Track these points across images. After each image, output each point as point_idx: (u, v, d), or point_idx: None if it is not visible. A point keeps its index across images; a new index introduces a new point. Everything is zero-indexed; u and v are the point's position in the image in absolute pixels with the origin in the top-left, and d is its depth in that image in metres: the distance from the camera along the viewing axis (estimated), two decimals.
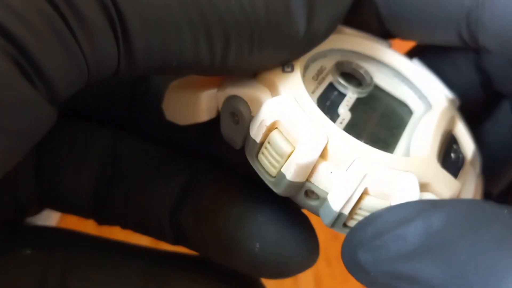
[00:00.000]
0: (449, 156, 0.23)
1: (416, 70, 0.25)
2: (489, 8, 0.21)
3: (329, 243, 0.40)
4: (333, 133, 0.21)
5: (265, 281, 0.36)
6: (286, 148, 0.21)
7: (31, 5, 0.17)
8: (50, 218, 0.45)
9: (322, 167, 0.21)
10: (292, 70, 0.22)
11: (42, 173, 0.25)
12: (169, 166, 0.26)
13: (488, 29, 0.22)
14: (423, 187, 0.21)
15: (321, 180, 0.21)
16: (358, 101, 0.24)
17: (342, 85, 0.24)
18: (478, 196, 0.24)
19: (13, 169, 0.22)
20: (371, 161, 0.21)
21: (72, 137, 0.26)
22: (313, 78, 0.23)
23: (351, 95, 0.24)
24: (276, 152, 0.21)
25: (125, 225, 0.26)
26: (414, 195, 0.20)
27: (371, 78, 0.25)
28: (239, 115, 0.22)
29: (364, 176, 0.20)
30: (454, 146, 0.23)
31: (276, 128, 0.21)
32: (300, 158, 0.21)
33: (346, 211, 0.21)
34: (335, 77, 0.24)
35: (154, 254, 0.26)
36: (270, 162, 0.21)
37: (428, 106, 0.25)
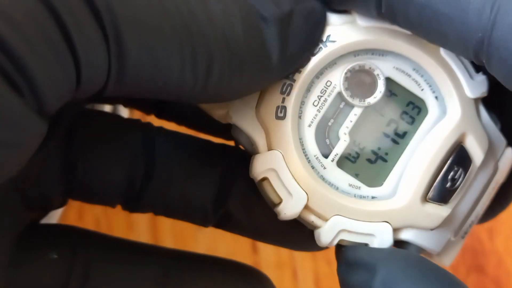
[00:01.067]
0: (444, 181, 0.24)
1: (440, 63, 0.24)
2: (497, 42, 0.21)
3: None
4: (314, 190, 0.24)
5: None
6: (275, 199, 0.24)
7: (22, 10, 0.16)
8: (51, 217, 0.45)
9: (306, 216, 0.24)
10: (284, 116, 0.24)
11: (72, 166, 0.25)
12: (205, 154, 0.27)
13: (494, 62, 0.21)
14: (402, 227, 0.24)
15: (307, 222, 0.24)
16: (367, 110, 0.24)
17: (347, 99, 0.24)
18: (496, 183, 0.25)
19: (38, 165, 0.23)
20: (348, 213, 0.24)
21: (105, 128, 0.26)
22: (314, 103, 0.24)
23: (357, 108, 0.24)
24: (268, 198, 0.24)
25: (162, 213, 0.27)
26: (386, 242, 0.24)
27: (384, 83, 0.24)
28: (242, 145, 0.25)
29: (340, 231, 0.24)
30: (455, 167, 0.24)
31: (267, 179, 0.24)
32: (284, 213, 0.24)
33: (331, 246, 0.24)
34: (342, 89, 0.24)
35: (173, 256, 0.27)
36: (267, 197, 0.24)
37: (443, 110, 0.24)
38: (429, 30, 0.21)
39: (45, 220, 0.27)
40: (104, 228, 0.42)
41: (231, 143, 0.27)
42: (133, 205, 0.26)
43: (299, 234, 0.26)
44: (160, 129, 0.27)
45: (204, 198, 0.26)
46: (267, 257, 0.43)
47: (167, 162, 0.26)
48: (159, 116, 0.28)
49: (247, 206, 0.26)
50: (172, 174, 0.26)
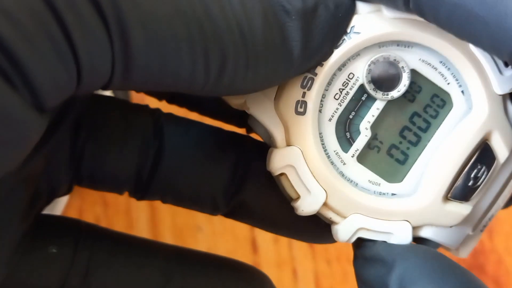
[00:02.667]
0: (467, 179, 0.24)
1: (468, 57, 0.23)
2: None
3: None
4: (333, 188, 0.23)
5: None
6: (293, 195, 0.24)
7: (23, 6, 0.16)
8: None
9: (324, 212, 0.24)
10: (305, 111, 0.23)
11: (80, 154, 0.25)
12: (216, 142, 0.26)
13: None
14: (422, 225, 0.24)
15: (325, 218, 0.24)
16: (389, 104, 0.24)
17: (370, 92, 0.24)
18: None
19: (46, 156, 0.22)
20: (367, 211, 0.24)
21: (113, 115, 0.25)
22: (335, 97, 0.24)
23: (379, 101, 0.24)
24: (286, 193, 0.24)
25: (170, 201, 0.27)
26: (405, 240, 0.24)
27: (409, 76, 0.23)
28: (259, 135, 0.25)
29: (358, 229, 0.24)
30: (479, 165, 0.24)
31: (284, 174, 0.24)
32: (302, 209, 0.24)
33: (349, 242, 0.24)
34: (365, 82, 0.24)
35: (176, 252, 0.27)
36: (284, 192, 0.24)
37: (469, 105, 0.24)
38: (461, 30, 0.21)
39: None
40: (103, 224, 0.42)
41: (242, 130, 0.27)
42: (141, 193, 0.26)
43: (314, 226, 0.26)
44: (170, 115, 0.26)
45: (215, 186, 0.26)
46: (267, 257, 0.43)
47: (177, 149, 0.26)
48: (170, 101, 0.28)
49: (262, 196, 0.26)
50: (181, 161, 0.26)
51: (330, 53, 0.23)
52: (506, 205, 0.26)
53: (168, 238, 0.42)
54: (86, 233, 0.26)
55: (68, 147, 0.24)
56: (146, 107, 0.26)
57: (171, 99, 0.28)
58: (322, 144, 0.24)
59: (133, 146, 0.25)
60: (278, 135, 0.23)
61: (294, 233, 0.27)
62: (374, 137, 0.24)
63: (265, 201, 0.26)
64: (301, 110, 0.23)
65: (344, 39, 0.23)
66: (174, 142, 0.26)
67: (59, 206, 0.41)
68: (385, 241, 0.24)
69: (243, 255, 0.42)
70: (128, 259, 0.25)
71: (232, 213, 0.27)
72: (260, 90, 0.23)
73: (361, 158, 0.24)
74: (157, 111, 0.26)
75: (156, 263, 0.26)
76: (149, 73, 0.19)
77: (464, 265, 0.44)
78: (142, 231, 0.42)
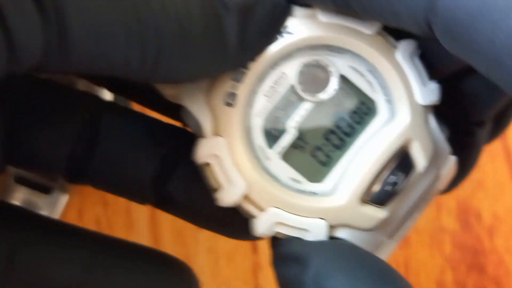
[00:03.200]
0: (385, 184, 0.24)
1: (395, 67, 0.25)
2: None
3: None
4: (254, 180, 0.24)
5: (265, 277, 0.36)
6: (214, 185, 0.24)
7: None
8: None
9: (244, 205, 0.24)
10: (234, 103, 0.24)
11: (14, 136, 0.25)
12: (152, 133, 0.27)
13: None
14: (338, 225, 0.24)
15: (245, 212, 0.24)
16: (317, 106, 0.25)
17: (299, 93, 0.24)
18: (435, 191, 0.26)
19: None
20: (286, 206, 0.24)
21: (52, 99, 0.26)
22: (265, 94, 0.24)
23: (308, 102, 0.25)
24: (208, 183, 0.24)
25: (102, 187, 0.27)
26: (320, 238, 0.24)
27: (337, 81, 0.24)
28: (190, 127, 0.25)
29: (275, 224, 0.24)
30: (397, 172, 0.24)
31: (209, 164, 0.24)
32: (222, 199, 0.24)
33: (265, 237, 0.24)
34: (295, 82, 0.24)
35: (102, 241, 0.27)
36: (208, 182, 0.24)
37: (393, 114, 0.25)
38: (382, 11, 0.22)
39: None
40: (104, 228, 0.42)
41: (181, 124, 0.27)
42: (75, 178, 0.26)
43: (235, 222, 0.26)
44: (109, 104, 0.27)
45: (144, 176, 0.26)
46: (267, 257, 0.43)
47: (111, 138, 0.26)
48: (110, 89, 0.29)
49: (188, 188, 0.26)
50: (115, 151, 0.26)
51: (264, 50, 0.23)
52: (449, 189, 0.27)
53: (168, 238, 0.42)
54: (9, 219, 0.26)
55: (2, 127, 0.25)
56: (87, 94, 0.27)
57: (111, 88, 0.29)
58: (249, 138, 0.24)
59: (68, 132, 0.25)
60: (206, 125, 0.24)
61: (215, 227, 0.28)
62: (300, 137, 0.24)
63: (190, 193, 0.26)
64: (230, 101, 0.24)
65: (278, 38, 0.24)
66: (109, 132, 0.26)
67: (59, 206, 0.41)
68: (300, 238, 0.24)
69: (243, 255, 0.42)
70: (53, 247, 0.25)
71: (160, 204, 0.27)
72: (195, 81, 0.23)
73: (285, 156, 0.24)
74: (97, 99, 0.27)
75: (79, 252, 0.26)
76: (84, 55, 0.19)
77: (464, 265, 0.44)
78: (142, 231, 0.42)
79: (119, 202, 0.42)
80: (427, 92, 0.25)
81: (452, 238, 0.44)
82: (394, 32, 0.25)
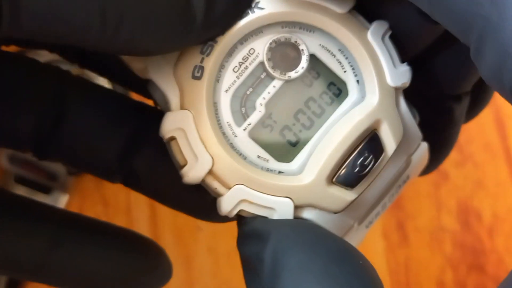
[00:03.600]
0: (353, 165, 0.24)
1: (366, 48, 0.24)
2: None
3: None
4: (220, 156, 0.23)
5: None
6: (180, 160, 0.24)
7: None
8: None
9: (209, 181, 0.24)
10: (201, 76, 0.23)
11: None
12: (119, 110, 0.26)
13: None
14: (305, 205, 0.24)
15: (210, 189, 0.24)
16: (287, 84, 0.24)
17: (268, 70, 0.24)
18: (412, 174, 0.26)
19: None
20: (252, 184, 0.23)
21: (17, 72, 0.25)
22: (234, 69, 0.24)
23: (277, 80, 0.24)
24: (174, 159, 0.24)
25: (70, 164, 0.27)
26: (286, 217, 0.23)
27: (307, 59, 0.24)
28: (157, 102, 0.24)
29: (241, 201, 0.23)
30: (366, 153, 0.24)
31: (174, 139, 0.23)
32: (188, 175, 0.23)
33: (231, 215, 0.24)
34: (265, 59, 0.24)
35: (69, 218, 0.27)
36: (173, 158, 0.24)
37: (363, 95, 0.24)
38: None
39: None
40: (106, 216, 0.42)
41: (151, 102, 0.27)
42: (42, 154, 0.26)
43: (200, 201, 0.26)
44: (77, 78, 0.26)
45: (109, 153, 0.26)
46: None
47: (77, 114, 0.25)
48: (82, 65, 0.28)
49: (152, 165, 0.26)
50: (80, 127, 0.25)
51: (232, 24, 0.23)
52: (428, 170, 0.26)
53: (168, 238, 0.42)
54: None
55: None
56: (55, 68, 0.26)
57: (83, 63, 0.28)
58: (216, 113, 0.24)
59: (32, 107, 0.25)
60: (173, 98, 0.23)
61: (181, 206, 0.27)
62: (268, 116, 0.24)
63: (155, 171, 0.26)
64: (198, 74, 0.23)
65: (248, 12, 0.23)
66: (75, 107, 0.25)
67: (58, 206, 0.41)
68: (265, 217, 0.23)
69: None
70: (17, 221, 0.25)
71: (126, 182, 0.27)
72: (160, 53, 0.23)
73: (253, 133, 0.24)
74: (65, 73, 0.26)
75: (46, 228, 0.25)
76: (39, 20, 0.19)
77: (465, 265, 0.44)
78: (142, 231, 0.42)
79: (119, 202, 0.42)
80: (397, 74, 0.24)
81: (452, 238, 0.44)
82: (365, 13, 0.25)
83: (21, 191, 0.40)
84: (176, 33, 0.21)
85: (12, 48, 0.26)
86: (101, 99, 0.26)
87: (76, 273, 0.26)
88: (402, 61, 0.25)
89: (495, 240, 0.45)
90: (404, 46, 0.25)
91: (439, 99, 0.27)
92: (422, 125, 0.26)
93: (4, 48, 0.26)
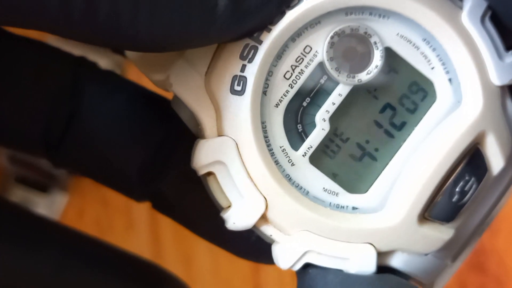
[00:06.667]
0: (451, 193, 0.18)
1: (461, 35, 0.18)
2: None
3: None
4: (275, 194, 0.18)
5: (265, 277, 0.36)
6: (222, 202, 0.19)
7: None
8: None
9: (262, 227, 0.19)
10: (243, 90, 0.18)
11: None
12: (144, 111, 0.22)
13: None
14: (390, 250, 0.19)
15: (264, 236, 0.19)
16: (355, 90, 0.19)
17: (331, 72, 0.19)
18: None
19: None
20: (320, 229, 0.18)
21: (28, 59, 0.22)
22: (285, 76, 0.19)
23: (343, 86, 0.19)
24: (214, 199, 0.19)
25: (84, 173, 0.23)
26: (367, 270, 0.18)
27: (382, 55, 0.19)
28: (185, 122, 0.20)
29: (306, 253, 0.18)
30: (466, 176, 0.18)
31: (213, 174, 0.18)
32: (233, 222, 0.18)
33: (294, 269, 0.19)
34: (325, 59, 0.19)
35: (75, 240, 0.23)
36: (212, 197, 0.19)
37: (458, 98, 0.19)
38: None
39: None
40: (104, 228, 0.42)
41: None
42: (53, 157, 0.22)
43: (242, 239, 0.21)
44: (96, 70, 0.22)
45: (131, 165, 0.21)
46: None
47: (95, 113, 0.21)
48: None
49: (183, 189, 0.21)
50: (98, 128, 0.21)
51: (278, 14, 0.18)
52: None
53: (168, 238, 0.42)
54: None
55: None
56: (69, 56, 0.22)
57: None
58: (266, 137, 0.19)
59: (45, 100, 0.21)
60: (207, 120, 0.18)
61: (221, 244, 0.23)
62: (333, 132, 0.19)
63: (186, 196, 0.22)
64: (239, 88, 0.18)
65: (299, 0, 0.18)
66: (94, 104, 0.21)
67: (58, 206, 0.41)
68: (340, 270, 0.18)
69: None
70: (22, 244, 0.22)
71: (153, 203, 0.23)
72: (179, 48, 0.18)
73: (316, 158, 0.19)
74: (82, 61, 0.22)
75: (50, 250, 0.22)
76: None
77: (465, 265, 0.44)
78: (142, 231, 0.42)
79: (119, 202, 0.42)
80: (505, 68, 0.18)
81: None
82: None
83: (21, 190, 0.40)
84: (191, 22, 0.17)
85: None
86: (125, 98, 0.22)
87: None
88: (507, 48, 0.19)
89: (495, 240, 0.45)
90: (506, 31, 0.19)
91: None
92: None
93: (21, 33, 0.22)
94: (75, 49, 0.23)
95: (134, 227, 0.42)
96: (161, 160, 0.21)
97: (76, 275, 0.23)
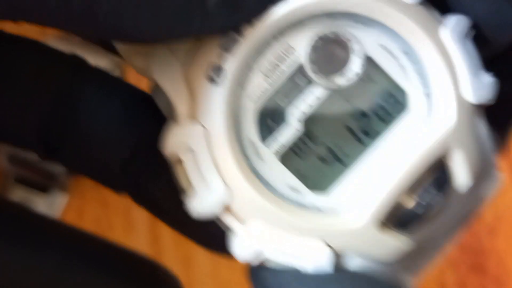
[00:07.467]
0: (415, 205, 0.19)
1: (440, 50, 0.18)
2: None
3: None
4: (240, 186, 0.18)
5: None
6: (186, 187, 0.19)
7: None
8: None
9: (223, 217, 0.19)
10: (220, 79, 0.18)
11: None
12: (130, 111, 0.22)
13: None
14: (347, 254, 0.19)
15: (224, 226, 0.19)
16: (333, 94, 0.19)
17: (311, 77, 0.19)
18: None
19: None
20: (280, 224, 0.18)
21: (25, 59, 0.22)
22: (264, 72, 0.19)
23: (321, 89, 0.19)
24: (180, 185, 0.19)
25: (74, 168, 0.23)
26: (322, 269, 0.18)
27: (362, 63, 0.19)
28: (163, 111, 0.20)
29: (263, 246, 0.18)
30: (431, 190, 0.19)
31: (181, 161, 0.18)
32: (195, 209, 0.18)
33: (253, 263, 0.19)
34: (307, 61, 0.19)
35: (76, 239, 0.24)
36: (179, 183, 0.19)
37: (429, 112, 0.19)
38: None
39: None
40: (104, 228, 0.42)
41: None
42: (51, 156, 0.23)
43: (216, 233, 0.20)
44: (96, 71, 0.22)
45: (112, 160, 0.21)
46: None
47: (92, 113, 0.22)
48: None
49: (159, 180, 0.21)
50: (94, 128, 0.21)
51: (263, 9, 0.18)
52: None
53: (168, 238, 0.42)
54: None
55: None
56: (69, 57, 0.22)
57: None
58: (237, 129, 0.19)
59: (42, 101, 0.21)
60: (181, 105, 0.18)
61: (188, 234, 0.23)
62: (307, 134, 0.19)
63: (160, 187, 0.21)
64: (215, 77, 0.18)
65: None
66: (92, 106, 0.21)
67: (58, 205, 0.41)
68: (297, 270, 0.18)
69: None
70: (21, 245, 0.22)
71: (131, 195, 0.23)
72: (164, 41, 0.18)
73: (286, 157, 0.19)
74: (81, 62, 0.22)
75: (51, 254, 0.22)
76: None
77: (464, 265, 0.44)
78: (142, 231, 0.42)
79: (119, 202, 0.42)
80: (480, 87, 0.18)
81: None
82: (437, 6, 0.19)
83: (21, 190, 0.40)
84: (177, 14, 0.17)
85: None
86: (121, 99, 0.22)
87: None
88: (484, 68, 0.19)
89: (495, 240, 0.45)
90: (487, 42, 0.19)
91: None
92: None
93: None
94: (75, 50, 0.24)
95: (134, 228, 0.42)
96: (140, 155, 0.22)
97: (77, 276, 0.23)
